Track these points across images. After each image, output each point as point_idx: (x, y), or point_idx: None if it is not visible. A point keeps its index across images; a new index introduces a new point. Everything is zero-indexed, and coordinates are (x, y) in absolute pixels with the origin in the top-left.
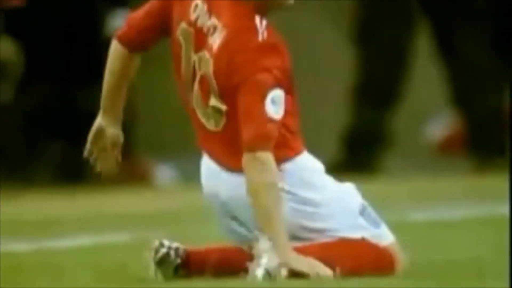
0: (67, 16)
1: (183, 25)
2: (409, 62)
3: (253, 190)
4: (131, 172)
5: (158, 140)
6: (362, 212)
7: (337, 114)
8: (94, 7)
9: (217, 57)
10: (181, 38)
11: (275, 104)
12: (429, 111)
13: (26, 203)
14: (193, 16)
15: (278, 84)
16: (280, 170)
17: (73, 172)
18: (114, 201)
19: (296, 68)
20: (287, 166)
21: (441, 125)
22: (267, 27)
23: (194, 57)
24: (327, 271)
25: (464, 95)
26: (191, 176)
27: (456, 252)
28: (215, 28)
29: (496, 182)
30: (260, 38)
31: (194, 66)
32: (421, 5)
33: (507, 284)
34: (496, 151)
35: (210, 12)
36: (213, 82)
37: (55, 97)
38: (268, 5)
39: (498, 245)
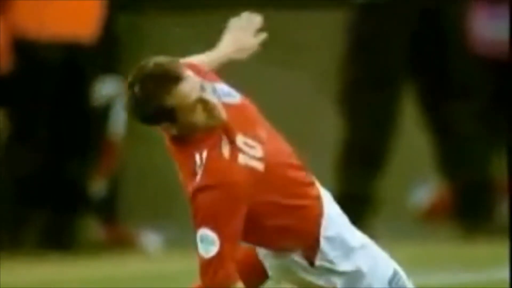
0: (55, 84)
1: None
2: (395, 126)
3: None
4: (117, 238)
5: (144, 206)
6: (391, 281)
7: (324, 178)
8: (83, 75)
9: None
10: None
11: (203, 243)
12: (415, 177)
13: (13, 269)
14: None
15: (202, 223)
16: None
17: (60, 239)
18: (101, 267)
19: (284, 132)
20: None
21: (427, 191)
22: (209, 156)
23: None
24: None
25: (450, 162)
26: (178, 241)
27: None
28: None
29: (483, 249)
30: (196, 180)
31: None
32: (409, 70)
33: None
34: (483, 218)
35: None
36: None
37: (42, 165)
38: (199, 127)
39: None
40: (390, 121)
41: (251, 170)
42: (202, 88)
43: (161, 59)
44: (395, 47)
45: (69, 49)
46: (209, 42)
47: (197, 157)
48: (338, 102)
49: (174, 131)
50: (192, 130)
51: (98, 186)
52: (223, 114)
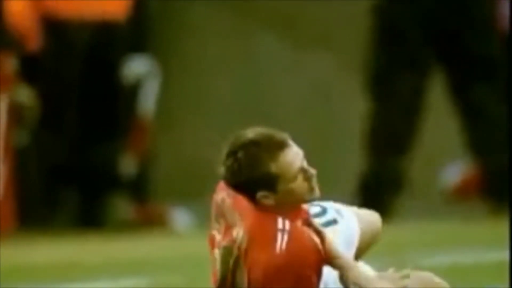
0: (85, 64)
1: None
2: (424, 108)
3: None
4: (148, 217)
5: (175, 185)
6: None
7: (352, 160)
8: (113, 54)
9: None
10: None
11: None
12: (445, 158)
13: (43, 248)
14: None
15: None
16: None
17: (91, 218)
18: (131, 246)
19: (312, 112)
20: None
21: (456, 172)
22: (292, 227)
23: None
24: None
25: (480, 143)
26: (208, 221)
27: None
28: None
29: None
30: (277, 248)
31: None
32: (436, 54)
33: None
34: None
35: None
36: None
37: (72, 145)
38: (290, 202)
39: None
40: (419, 104)
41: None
42: (303, 158)
43: (260, 128)
44: (419, 30)
45: (99, 28)
46: (236, 26)
47: (280, 221)
48: (366, 86)
49: (270, 202)
50: (288, 202)
51: (128, 166)
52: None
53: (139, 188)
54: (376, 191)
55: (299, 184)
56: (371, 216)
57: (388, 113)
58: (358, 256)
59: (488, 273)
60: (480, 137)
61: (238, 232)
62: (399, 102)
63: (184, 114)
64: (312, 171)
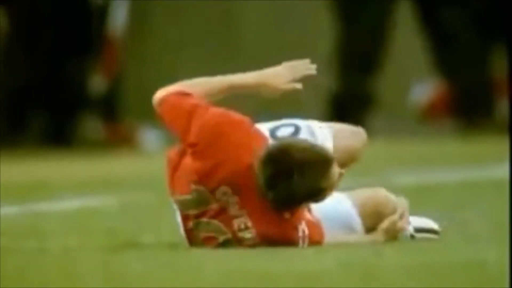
0: None
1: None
2: (392, 27)
3: None
4: (117, 136)
5: (145, 105)
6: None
7: (322, 78)
8: None
9: None
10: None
11: None
12: (414, 77)
13: (11, 167)
14: None
15: None
16: None
17: (59, 137)
18: (100, 165)
19: (283, 36)
20: None
21: (424, 90)
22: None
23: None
24: None
25: (448, 62)
26: (177, 140)
27: (441, 218)
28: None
29: (483, 146)
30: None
31: None
32: None
33: (507, 284)
34: (482, 114)
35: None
36: None
37: (41, 64)
38: None
39: (485, 208)
40: (386, 23)
41: None
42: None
43: (304, 140)
44: None
45: None
46: None
47: (300, 229)
48: (335, 7)
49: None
50: None
51: (98, 85)
52: None
53: (108, 107)
54: (347, 109)
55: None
56: (352, 134)
57: (356, 33)
58: None
59: (456, 192)
60: (448, 57)
61: None
62: (367, 22)
63: (156, 35)
64: (342, 171)
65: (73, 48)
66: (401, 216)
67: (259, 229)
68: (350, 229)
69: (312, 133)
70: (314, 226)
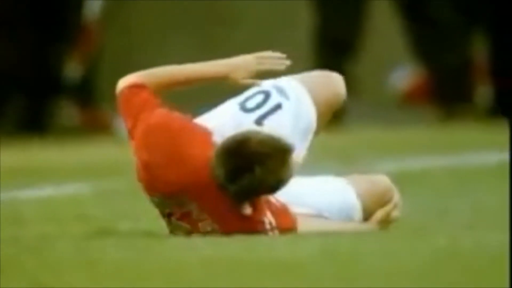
0: None
1: None
2: (369, 10)
3: None
4: (92, 122)
5: None
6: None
7: (300, 64)
8: None
9: None
10: None
11: None
12: (393, 63)
13: None
14: None
15: None
16: None
17: (34, 123)
18: (75, 152)
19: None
20: None
21: (403, 75)
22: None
23: None
24: None
25: (427, 47)
26: None
27: (422, 205)
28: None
29: (463, 133)
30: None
31: None
32: None
33: (507, 284)
34: (462, 100)
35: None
36: None
37: (17, 50)
38: None
39: (465, 195)
40: (362, 5)
41: None
42: None
43: (262, 132)
44: None
45: None
46: None
47: (266, 222)
48: None
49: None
50: None
51: (74, 70)
52: None
53: (84, 94)
54: None
55: None
56: (326, 81)
57: (331, 16)
58: (318, 130)
59: (437, 179)
60: (427, 41)
61: None
62: (342, 6)
63: (132, 20)
64: (299, 160)
65: (49, 34)
66: (395, 206)
67: (224, 230)
68: (350, 218)
69: (282, 92)
70: (281, 214)
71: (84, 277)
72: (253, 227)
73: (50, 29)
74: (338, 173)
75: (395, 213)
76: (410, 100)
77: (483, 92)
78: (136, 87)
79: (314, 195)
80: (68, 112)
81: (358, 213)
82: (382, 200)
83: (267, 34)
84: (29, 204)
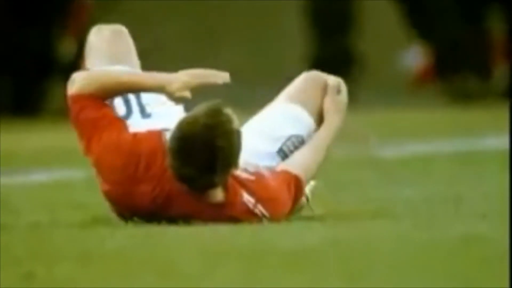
0: None
1: None
2: None
3: None
4: None
5: None
6: None
7: (295, 47)
8: None
9: None
10: None
11: None
12: (403, 43)
13: None
14: None
15: None
16: None
17: (25, 105)
18: (67, 136)
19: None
20: None
21: (414, 58)
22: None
23: None
24: None
25: (426, 27)
26: None
27: (431, 189)
28: None
29: (478, 115)
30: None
31: None
32: None
33: (507, 284)
34: (476, 78)
35: None
36: None
37: (6, 33)
38: None
39: (474, 180)
40: None
41: None
42: None
43: (213, 107)
44: None
45: None
46: None
47: (247, 200)
48: None
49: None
50: None
51: (67, 50)
52: None
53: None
54: (327, 70)
55: None
56: (312, 85)
57: None
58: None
59: (450, 162)
60: (423, 18)
61: None
62: None
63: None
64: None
65: (38, 11)
66: (338, 91)
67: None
68: (310, 136)
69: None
70: (258, 186)
71: (79, 267)
72: (235, 211)
73: (41, 7)
74: (346, 157)
75: (343, 98)
76: (420, 82)
77: (501, 71)
78: (83, 100)
79: (270, 129)
80: (60, 94)
81: (313, 127)
82: (322, 95)
83: (258, 23)
84: (20, 190)
